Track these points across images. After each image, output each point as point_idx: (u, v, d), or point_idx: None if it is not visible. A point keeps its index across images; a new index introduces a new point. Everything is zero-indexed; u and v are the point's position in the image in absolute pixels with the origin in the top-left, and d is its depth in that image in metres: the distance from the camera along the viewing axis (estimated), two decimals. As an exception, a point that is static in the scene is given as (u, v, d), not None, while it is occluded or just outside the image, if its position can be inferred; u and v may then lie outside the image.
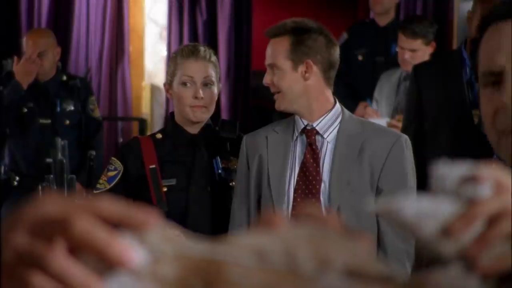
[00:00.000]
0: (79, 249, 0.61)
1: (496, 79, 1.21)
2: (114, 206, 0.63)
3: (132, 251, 0.62)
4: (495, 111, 1.20)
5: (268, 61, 2.75)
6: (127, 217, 0.63)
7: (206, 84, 2.92)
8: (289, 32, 2.71)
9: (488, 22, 1.24)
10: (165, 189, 2.88)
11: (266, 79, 2.75)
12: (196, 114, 2.91)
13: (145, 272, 0.63)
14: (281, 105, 2.74)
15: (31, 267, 0.61)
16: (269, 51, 2.75)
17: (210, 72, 2.93)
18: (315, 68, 2.70)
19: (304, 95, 2.72)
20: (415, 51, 4.60)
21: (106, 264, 0.61)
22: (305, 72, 2.70)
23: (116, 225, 0.63)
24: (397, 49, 4.79)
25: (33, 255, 0.61)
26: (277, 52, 2.72)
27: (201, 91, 2.89)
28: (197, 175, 2.90)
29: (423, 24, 4.69)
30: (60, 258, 0.61)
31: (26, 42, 4.80)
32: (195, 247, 0.65)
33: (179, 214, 2.84)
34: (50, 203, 0.62)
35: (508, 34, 1.21)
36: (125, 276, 0.62)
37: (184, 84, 2.91)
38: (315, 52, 2.70)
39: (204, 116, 2.94)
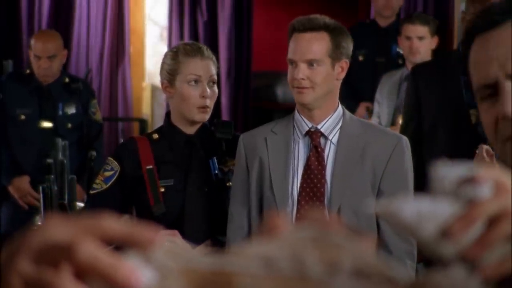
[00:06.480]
0: (85, 273, 0.62)
1: (492, 91, 1.22)
2: (118, 226, 0.63)
3: (138, 272, 0.62)
4: (495, 121, 1.22)
5: (306, 56, 2.68)
6: (131, 235, 0.63)
7: (209, 83, 2.89)
8: (328, 29, 2.70)
9: (472, 36, 1.25)
10: (162, 190, 2.86)
11: (302, 73, 2.67)
12: (201, 115, 2.88)
13: None
14: (307, 98, 2.68)
15: None
16: (308, 45, 2.68)
17: (214, 71, 2.91)
18: (346, 69, 2.73)
19: (329, 94, 2.72)
20: (423, 39, 4.61)
21: (113, 287, 0.61)
22: (341, 71, 2.72)
23: (120, 244, 0.63)
24: (398, 49, 4.77)
25: (41, 283, 0.61)
26: (319, 47, 2.68)
27: (208, 90, 2.87)
28: (194, 176, 2.88)
29: (428, 15, 4.87)
30: (67, 285, 0.61)
31: (34, 44, 4.75)
32: (202, 260, 0.65)
33: (176, 215, 2.83)
34: (53, 228, 0.63)
35: (493, 44, 1.21)
36: None
37: (191, 83, 2.87)
38: (348, 53, 2.73)
39: (207, 116, 2.92)
